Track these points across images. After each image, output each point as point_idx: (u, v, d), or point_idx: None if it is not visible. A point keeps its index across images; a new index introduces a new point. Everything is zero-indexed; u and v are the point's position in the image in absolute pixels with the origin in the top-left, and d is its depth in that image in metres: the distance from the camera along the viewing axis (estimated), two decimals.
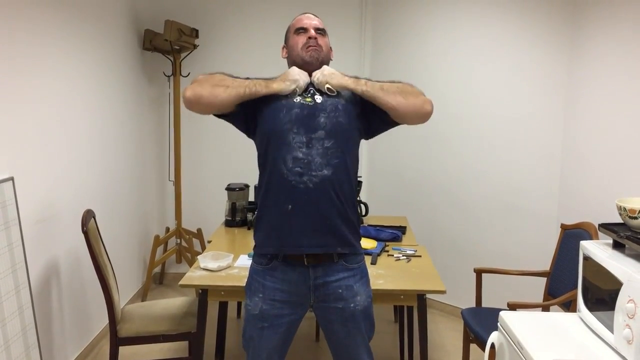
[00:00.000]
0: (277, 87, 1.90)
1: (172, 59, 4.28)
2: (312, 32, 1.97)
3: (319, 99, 1.93)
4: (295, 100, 1.93)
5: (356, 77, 1.94)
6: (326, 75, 1.93)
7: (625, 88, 2.84)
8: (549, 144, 3.54)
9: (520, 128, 3.64)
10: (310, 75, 1.98)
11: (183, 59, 4.34)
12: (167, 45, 4.08)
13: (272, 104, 1.93)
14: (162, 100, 4.54)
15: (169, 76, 4.41)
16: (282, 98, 1.93)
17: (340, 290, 1.93)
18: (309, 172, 1.86)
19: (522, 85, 3.61)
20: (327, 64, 2.02)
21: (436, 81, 3.99)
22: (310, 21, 2.00)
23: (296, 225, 1.88)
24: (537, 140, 3.58)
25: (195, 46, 4.28)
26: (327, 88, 1.92)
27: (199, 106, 1.88)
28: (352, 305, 1.94)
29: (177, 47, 4.18)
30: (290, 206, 1.87)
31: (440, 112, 3.98)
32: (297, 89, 1.92)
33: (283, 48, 2.08)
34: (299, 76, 1.93)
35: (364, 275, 2.02)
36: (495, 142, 3.76)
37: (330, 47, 2.07)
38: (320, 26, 2.01)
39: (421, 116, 1.92)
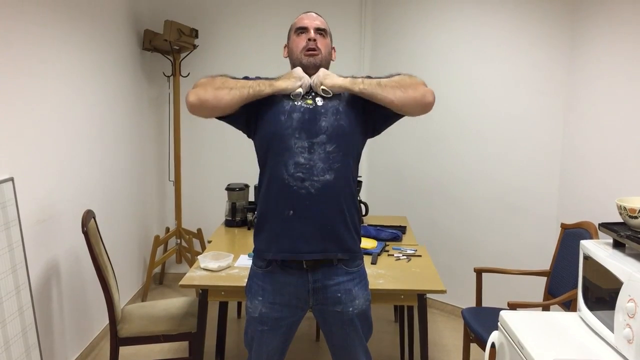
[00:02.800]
0: (282, 85, 1.88)
1: (171, 59, 4.28)
2: (312, 32, 1.93)
3: (320, 101, 1.91)
4: (296, 103, 1.90)
5: (353, 77, 1.91)
6: (320, 76, 1.90)
7: (624, 88, 2.84)
8: (549, 144, 3.54)
9: (520, 127, 3.64)
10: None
11: (183, 59, 4.34)
12: (167, 45, 4.08)
13: (274, 106, 1.91)
14: (161, 100, 4.54)
15: (168, 76, 4.41)
16: (283, 101, 1.91)
17: (339, 294, 1.93)
18: (311, 177, 1.84)
19: (522, 85, 3.61)
20: (327, 66, 2.00)
21: (436, 81, 3.99)
22: (312, 21, 1.95)
23: (296, 230, 1.87)
24: (537, 140, 3.58)
25: (194, 46, 4.28)
26: (322, 89, 1.90)
27: (203, 110, 1.86)
28: (350, 309, 1.94)
29: (177, 47, 4.18)
30: (291, 212, 1.86)
31: (440, 111, 4.00)
32: (302, 87, 1.90)
33: (285, 47, 2.04)
34: (303, 74, 1.92)
35: (363, 279, 2.01)
36: (495, 141, 3.76)
37: (333, 48, 2.04)
38: (322, 26, 1.96)
39: (422, 107, 1.88)
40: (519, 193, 3.68)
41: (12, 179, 2.41)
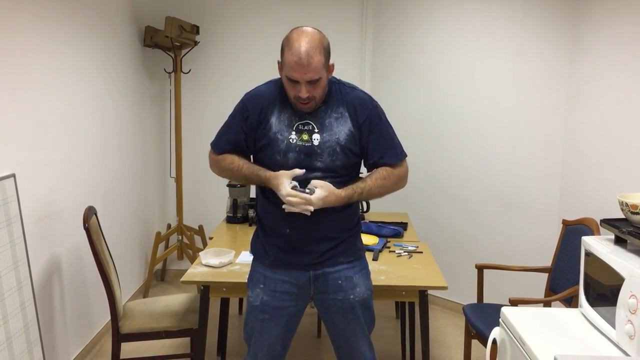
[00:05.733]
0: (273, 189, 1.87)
1: (172, 55, 4.28)
2: (304, 91, 1.78)
3: (316, 139, 1.87)
4: (291, 140, 1.87)
5: (351, 192, 1.87)
6: (321, 199, 1.81)
7: (627, 83, 2.84)
8: (550, 140, 3.53)
9: (521, 124, 3.63)
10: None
11: (184, 55, 4.33)
12: (168, 41, 4.08)
13: (270, 143, 1.89)
14: (163, 96, 4.54)
15: (170, 73, 4.40)
16: (279, 137, 1.88)
17: (340, 282, 1.96)
18: None
19: (523, 82, 3.60)
20: (322, 100, 1.89)
21: (437, 78, 3.98)
22: (303, 73, 1.75)
23: (294, 246, 1.94)
24: (538, 137, 3.57)
25: (196, 42, 4.27)
26: (308, 189, 1.84)
27: None
28: (351, 297, 1.97)
29: (178, 44, 4.18)
30: (287, 230, 1.92)
31: (441, 109, 4.00)
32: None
33: (278, 63, 1.87)
34: (299, 202, 1.80)
35: (364, 267, 2.04)
36: (496, 138, 3.75)
37: (332, 64, 1.87)
38: (315, 76, 1.76)
39: None
40: (520, 189, 3.67)
41: (13, 176, 2.41)
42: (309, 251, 1.93)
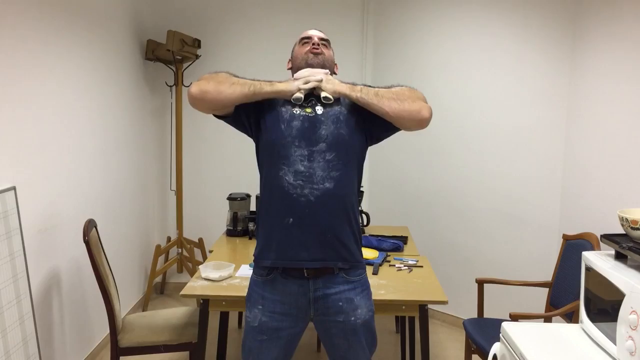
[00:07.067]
0: (282, 87, 1.91)
1: (174, 69, 4.30)
2: (316, 39, 2.03)
3: (319, 109, 1.93)
4: (295, 111, 1.92)
5: (353, 84, 1.95)
6: (323, 81, 1.95)
7: (627, 98, 2.85)
8: (550, 154, 3.54)
9: (521, 138, 3.64)
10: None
11: (185, 69, 4.36)
12: (170, 55, 4.10)
13: (273, 114, 1.93)
14: (164, 110, 4.56)
15: (171, 86, 4.42)
16: (283, 108, 1.93)
17: (341, 303, 1.92)
18: (310, 185, 1.85)
19: (523, 95, 3.62)
20: (331, 73, 2.04)
21: (437, 90, 4.00)
22: (316, 33, 2.07)
23: (296, 238, 1.87)
24: (538, 150, 3.58)
25: (197, 56, 4.30)
26: (324, 97, 1.92)
27: (203, 102, 1.86)
28: (352, 318, 1.92)
29: (180, 57, 4.21)
30: (291, 219, 1.86)
31: (441, 121, 4.01)
32: (302, 90, 1.92)
33: (289, 61, 2.11)
34: (304, 74, 1.96)
35: (365, 288, 1.99)
36: (496, 152, 3.76)
37: (336, 64, 2.11)
38: (325, 37, 2.07)
39: (417, 122, 1.88)
40: (521, 204, 3.67)
41: (14, 188, 2.42)
42: (311, 246, 1.86)
